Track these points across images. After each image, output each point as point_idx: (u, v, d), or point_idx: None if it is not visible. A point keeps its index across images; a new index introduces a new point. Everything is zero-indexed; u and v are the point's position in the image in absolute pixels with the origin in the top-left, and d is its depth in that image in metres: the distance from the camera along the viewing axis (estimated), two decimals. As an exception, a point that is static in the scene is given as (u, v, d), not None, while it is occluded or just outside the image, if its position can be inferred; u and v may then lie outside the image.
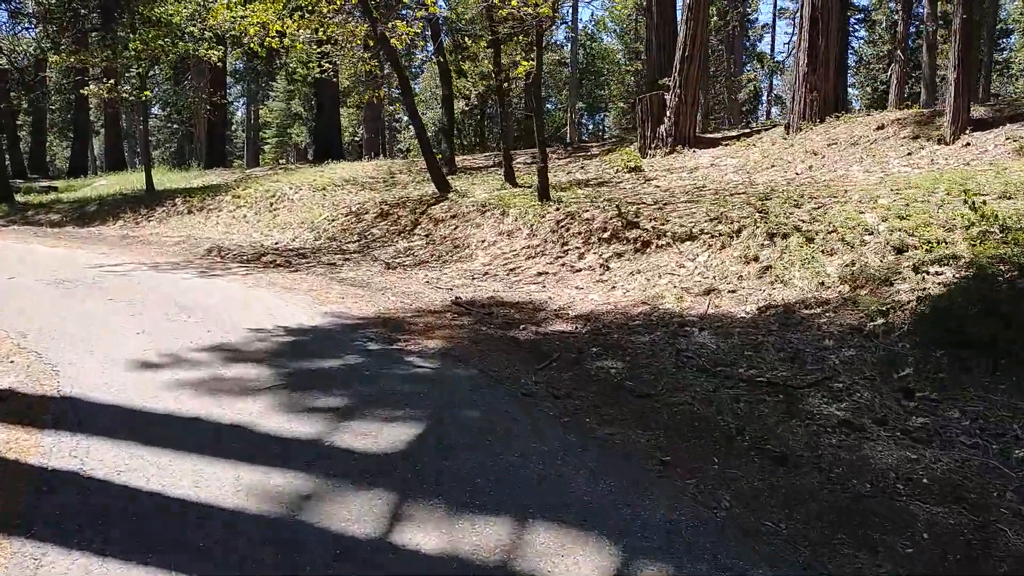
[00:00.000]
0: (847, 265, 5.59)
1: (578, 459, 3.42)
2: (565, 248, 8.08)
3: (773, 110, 34.67)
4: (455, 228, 10.19)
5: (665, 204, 8.31)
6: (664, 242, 7.12)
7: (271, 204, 14.93)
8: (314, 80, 25.55)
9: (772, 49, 39.58)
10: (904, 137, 9.31)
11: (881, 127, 9.86)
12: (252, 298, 6.98)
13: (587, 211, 8.60)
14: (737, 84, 29.91)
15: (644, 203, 8.59)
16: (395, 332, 5.71)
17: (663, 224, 7.47)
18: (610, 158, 13.13)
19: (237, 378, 4.48)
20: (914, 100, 20.53)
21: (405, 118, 54.44)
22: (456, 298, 6.86)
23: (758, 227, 6.60)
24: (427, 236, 10.43)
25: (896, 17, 24.16)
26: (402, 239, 10.68)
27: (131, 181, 23.67)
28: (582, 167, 13.09)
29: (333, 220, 12.69)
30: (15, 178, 34.90)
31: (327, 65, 15.45)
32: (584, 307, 6.31)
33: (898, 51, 21.48)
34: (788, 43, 39.01)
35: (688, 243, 6.95)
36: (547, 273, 7.59)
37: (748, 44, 34.34)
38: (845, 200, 6.74)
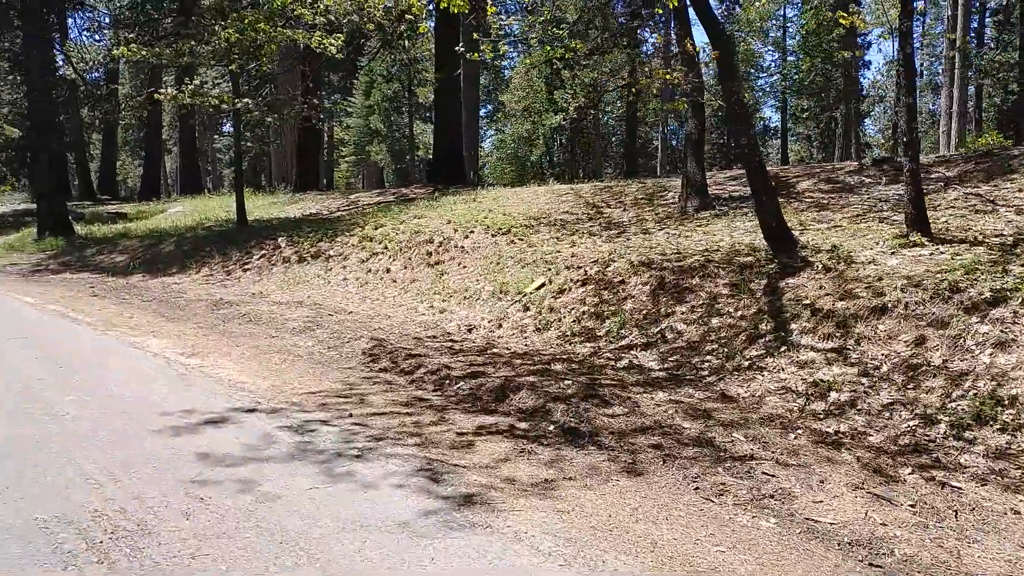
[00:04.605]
0: None
1: None
2: None
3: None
4: (920, 343, 4.78)
5: None
6: None
7: (428, 254, 9.83)
8: (436, 86, 20.76)
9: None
10: None
11: None
12: None
13: None
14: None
15: None
16: None
17: None
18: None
19: None
20: None
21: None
22: None
23: None
24: (839, 352, 5.04)
25: None
26: (767, 352, 5.32)
27: (211, 208, 19.17)
28: None
29: (561, 291, 7.47)
30: (82, 199, 31.12)
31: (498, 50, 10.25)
32: None
33: None
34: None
35: None
36: None
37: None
38: None
